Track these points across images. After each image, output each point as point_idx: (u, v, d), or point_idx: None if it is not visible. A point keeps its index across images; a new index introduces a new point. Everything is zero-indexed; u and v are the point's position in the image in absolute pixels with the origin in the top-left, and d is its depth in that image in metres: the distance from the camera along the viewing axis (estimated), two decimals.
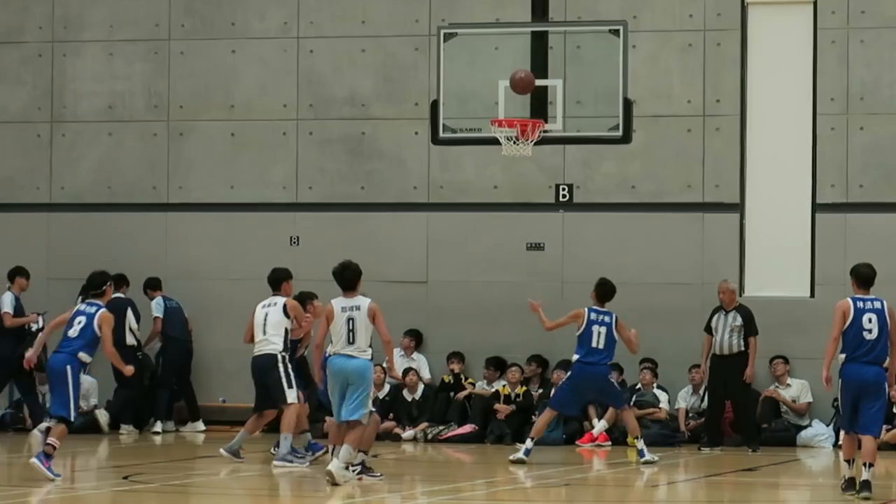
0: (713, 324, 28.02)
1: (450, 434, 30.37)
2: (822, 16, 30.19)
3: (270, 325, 23.96)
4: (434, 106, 27.51)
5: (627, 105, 27.31)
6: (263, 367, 24.15)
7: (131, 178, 32.67)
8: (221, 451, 23.90)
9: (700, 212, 30.30)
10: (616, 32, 27.71)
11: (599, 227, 30.08)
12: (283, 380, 23.66)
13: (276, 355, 24.06)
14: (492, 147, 27.42)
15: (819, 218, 30.07)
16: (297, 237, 32.29)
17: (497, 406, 30.11)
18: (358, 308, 20.58)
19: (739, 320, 27.87)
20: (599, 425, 27.95)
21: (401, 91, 31.58)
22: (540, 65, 27.13)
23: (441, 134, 27.62)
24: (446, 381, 31.06)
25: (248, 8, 31.71)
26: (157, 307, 30.43)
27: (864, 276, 20.50)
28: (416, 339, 31.52)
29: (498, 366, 31.02)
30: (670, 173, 30.62)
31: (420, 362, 31.25)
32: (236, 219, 32.27)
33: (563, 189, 30.91)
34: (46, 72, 32.75)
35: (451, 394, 31.11)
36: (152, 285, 30.86)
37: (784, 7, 31.19)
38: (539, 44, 27.44)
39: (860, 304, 20.08)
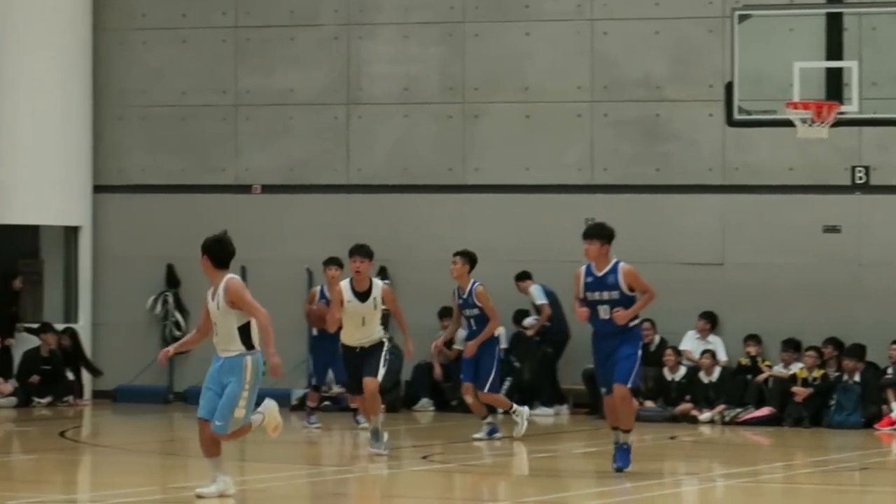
0: None
1: (747, 417, 30.31)
2: None
3: None
4: (729, 88, 27.79)
5: None
6: None
7: (426, 160, 33.41)
8: None
9: None
10: None
11: None
12: None
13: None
14: (786, 129, 27.69)
15: None
16: (592, 218, 30.75)
17: (794, 389, 30.00)
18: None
19: None
20: None
21: (694, 73, 31.75)
22: (835, 46, 27.48)
23: (736, 116, 27.89)
24: (743, 363, 30.99)
25: None
26: (539, 293, 31.26)
27: None
28: (711, 322, 31.52)
29: (795, 348, 30.84)
30: None
31: (716, 344, 31.23)
32: (530, 201, 32.58)
33: (860, 171, 30.86)
34: (342, 55, 33.57)
35: (748, 376, 30.99)
36: (523, 276, 31.51)
37: None
38: (834, 25, 27.61)
39: None
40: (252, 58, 33.71)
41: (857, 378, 29.43)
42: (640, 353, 19.13)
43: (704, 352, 30.44)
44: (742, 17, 27.57)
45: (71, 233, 33.95)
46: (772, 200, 30.92)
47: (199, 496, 17.41)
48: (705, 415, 29.95)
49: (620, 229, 28.69)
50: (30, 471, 24.62)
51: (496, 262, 30.96)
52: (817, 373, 29.55)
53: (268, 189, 33.34)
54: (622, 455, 19.16)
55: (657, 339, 31.31)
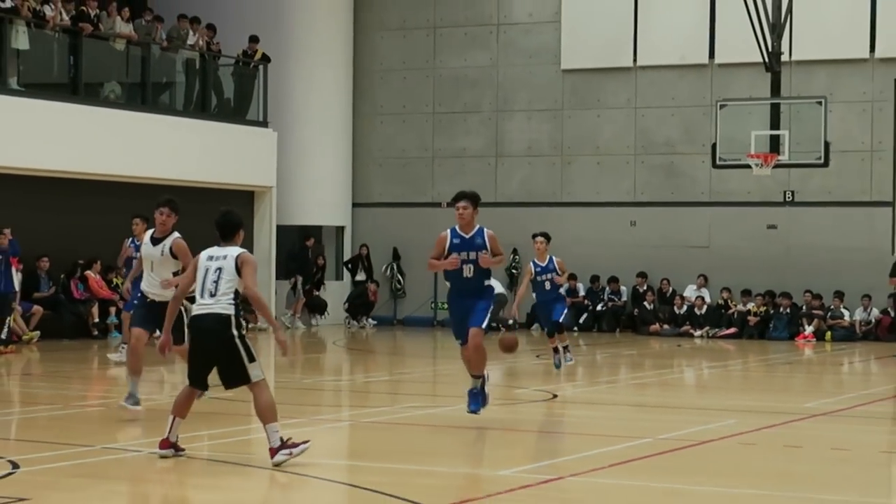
0: None
1: (721, 334, 30.03)
2: None
3: None
4: (714, 146, 27.26)
5: None
6: None
7: (540, 188, 32.52)
8: None
9: None
10: None
11: None
12: None
13: None
14: (747, 170, 27.15)
15: None
16: (634, 222, 31.84)
17: (749, 318, 29.91)
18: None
19: None
20: None
21: (695, 138, 30.90)
22: (775, 121, 26.67)
23: (718, 162, 27.37)
24: (720, 304, 30.44)
25: None
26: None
27: None
28: (704, 279, 30.88)
29: (749, 294, 30.23)
30: None
31: (704, 293, 30.83)
32: (600, 211, 31.77)
33: (788, 193, 30.45)
34: (493, 127, 33.03)
35: (723, 311, 30.39)
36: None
37: None
38: (774, 109, 26.93)
39: None
40: (443, 130, 33.49)
41: (786, 311, 29.97)
42: (492, 307, 13.75)
43: (698, 297, 30.79)
44: (722, 106, 27.60)
45: (339, 230, 34.09)
46: (738, 210, 30.92)
47: None
48: (698, 333, 30.39)
49: (655, 229, 30.43)
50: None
51: (580, 246, 30.88)
52: (762, 309, 30.21)
53: (449, 204, 32.97)
54: (474, 398, 13.84)
55: (671, 289, 31.21)
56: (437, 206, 32.87)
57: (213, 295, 10.91)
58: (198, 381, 11.12)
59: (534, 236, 20.25)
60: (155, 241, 14.23)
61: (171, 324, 11.66)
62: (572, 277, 30.25)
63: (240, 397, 12.99)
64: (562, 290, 20.20)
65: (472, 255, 13.48)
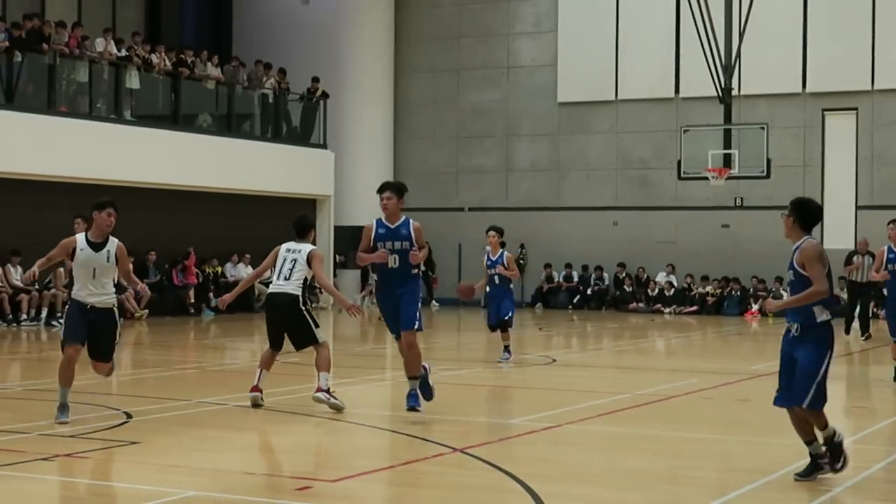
0: None
1: (685, 311, 29.52)
2: None
3: None
4: (679, 163, 27.02)
5: None
6: None
7: (545, 195, 31.97)
8: None
9: None
10: None
11: None
12: None
13: None
14: (705, 181, 27.06)
15: None
16: (616, 223, 31.43)
17: (707, 298, 29.53)
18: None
19: None
20: None
21: (664, 156, 30.35)
22: (728, 142, 26.34)
23: (682, 175, 27.14)
24: (685, 287, 30.00)
25: None
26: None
27: None
28: (671, 267, 30.32)
29: (707, 279, 29.85)
30: None
31: (672, 278, 30.36)
32: (591, 214, 31.30)
33: (738, 199, 30.03)
34: (504, 148, 32.61)
35: (686, 292, 29.87)
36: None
37: None
38: (727, 133, 26.60)
39: None
40: (465, 150, 33.07)
41: (737, 293, 29.70)
42: (420, 299, 11.14)
43: (667, 282, 30.56)
44: (685, 130, 27.53)
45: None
46: (699, 213, 30.64)
47: None
48: (666, 310, 30.08)
49: (632, 228, 29.87)
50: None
51: (573, 241, 31.02)
52: (718, 291, 30.02)
53: (473, 209, 32.46)
54: (413, 398, 11.13)
55: (646, 276, 30.68)
56: (461, 210, 32.97)
57: (287, 279, 11.11)
58: (274, 343, 11.34)
59: (487, 230, 16.38)
60: (96, 245, 10.23)
61: (240, 292, 11.78)
62: (552, 271, 30.01)
63: (305, 361, 12.98)
64: (511, 286, 16.33)
65: (398, 244, 11.01)
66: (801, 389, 7.98)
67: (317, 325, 11.12)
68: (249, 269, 28.75)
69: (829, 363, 7.95)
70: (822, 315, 7.94)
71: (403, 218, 11.21)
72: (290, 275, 11.09)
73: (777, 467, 8.43)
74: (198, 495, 7.31)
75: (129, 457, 7.60)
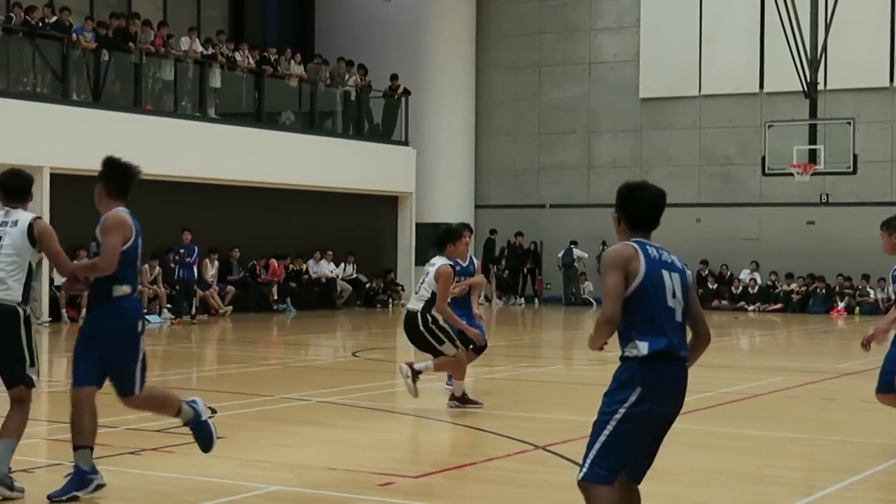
0: None
1: (770, 308, 29.25)
2: None
3: None
4: (763, 159, 26.88)
5: None
6: None
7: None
8: None
9: None
10: None
11: None
12: None
13: None
14: (789, 177, 26.84)
15: None
16: (699, 219, 31.05)
17: (792, 295, 29.29)
18: None
19: None
20: None
21: (749, 151, 30.17)
22: (813, 138, 26.31)
23: (767, 170, 26.92)
24: (769, 284, 29.72)
25: None
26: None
27: None
28: (756, 265, 29.93)
29: (792, 277, 29.56)
30: None
31: (756, 275, 30.00)
32: (673, 211, 32.23)
33: (824, 195, 29.80)
34: (586, 144, 32.40)
35: (771, 289, 29.64)
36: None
37: None
38: (812, 129, 26.59)
39: None
40: (546, 147, 32.91)
41: (822, 291, 29.51)
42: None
43: (750, 279, 30.21)
44: (769, 126, 27.23)
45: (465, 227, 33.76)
46: (783, 210, 30.45)
47: None
48: (750, 308, 29.81)
49: (716, 225, 29.79)
50: None
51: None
52: (803, 288, 29.78)
53: (554, 206, 32.50)
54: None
55: (729, 273, 30.40)
56: (542, 207, 33.01)
57: (416, 293, 11.07)
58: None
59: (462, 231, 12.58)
60: None
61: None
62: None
63: (387, 358, 12.85)
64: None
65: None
66: None
67: (440, 342, 10.84)
68: (332, 266, 28.81)
69: None
70: None
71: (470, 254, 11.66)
72: (418, 289, 11.01)
73: (863, 467, 8.35)
74: (281, 490, 7.39)
75: (214, 451, 7.66)
